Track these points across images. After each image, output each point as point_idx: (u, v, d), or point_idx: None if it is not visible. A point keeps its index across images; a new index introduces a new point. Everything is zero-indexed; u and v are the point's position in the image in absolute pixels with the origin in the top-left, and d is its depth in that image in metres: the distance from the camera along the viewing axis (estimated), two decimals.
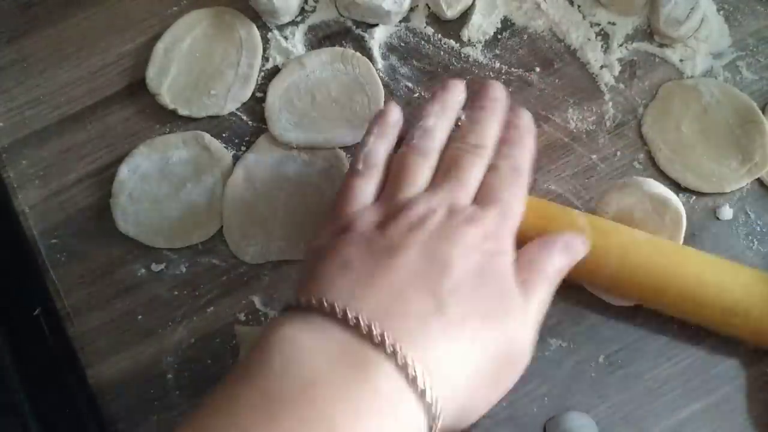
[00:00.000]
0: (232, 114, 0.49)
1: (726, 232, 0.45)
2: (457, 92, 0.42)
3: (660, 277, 0.40)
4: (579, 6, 0.50)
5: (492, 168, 0.39)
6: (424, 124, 0.40)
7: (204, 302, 0.45)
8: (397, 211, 0.35)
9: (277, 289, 0.45)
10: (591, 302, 0.43)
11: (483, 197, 0.37)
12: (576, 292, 0.43)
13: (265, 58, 0.50)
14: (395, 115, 0.41)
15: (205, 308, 0.45)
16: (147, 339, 0.45)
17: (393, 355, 0.29)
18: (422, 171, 0.38)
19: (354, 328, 0.30)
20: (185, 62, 0.50)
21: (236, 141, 0.48)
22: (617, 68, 0.48)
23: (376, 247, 0.34)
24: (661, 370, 0.43)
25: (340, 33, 0.50)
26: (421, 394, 0.29)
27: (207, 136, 0.48)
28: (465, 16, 0.50)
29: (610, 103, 0.48)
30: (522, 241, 0.38)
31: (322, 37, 0.50)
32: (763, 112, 0.46)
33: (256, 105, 0.49)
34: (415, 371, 0.29)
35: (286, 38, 0.50)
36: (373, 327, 0.30)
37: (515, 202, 0.38)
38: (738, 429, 0.41)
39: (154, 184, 0.47)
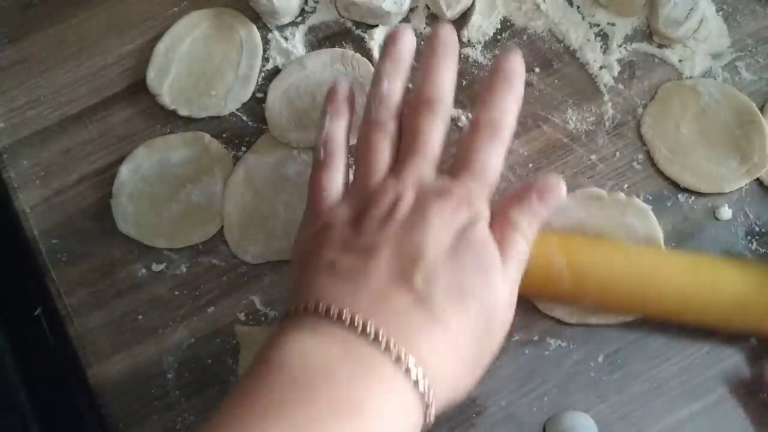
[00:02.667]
0: (232, 114, 0.49)
1: (725, 232, 0.45)
2: (405, 41, 0.41)
3: (655, 287, 0.40)
4: (578, 7, 0.50)
5: (471, 123, 0.39)
6: (378, 90, 0.40)
7: (204, 302, 0.45)
8: (367, 204, 0.36)
9: (277, 289, 0.45)
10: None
11: (457, 161, 0.38)
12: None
13: (266, 59, 0.50)
14: (344, 90, 0.41)
15: (205, 308, 0.45)
16: (147, 339, 0.45)
17: (387, 350, 0.31)
18: (384, 148, 0.38)
19: (352, 327, 0.31)
20: (186, 63, 0.50)
21: (236, 141, 0.48)
22: (616, 69, 0.48)
23: (354, 247, 0.35)
24: (660, 370, 0.43)
25: (340, 34, 0.50)
26: (415, 384, 0.31)
27: (207, 137, 0.48)
28: (465, 16, 0.50)
29: (610, 104, 0.48)
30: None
31: (322, 38, 0.50)
32: (762, 113, 0.46)
33: (256, 105, 0.49)
34: (408, 365, 0.31)
35: (286, 39, 0.50)
36: (368, 326, 0.31)
37: (492, 161, 0.38)
38: (738, 429, 0.42)
39: (155, 184, 0.47)
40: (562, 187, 0.38)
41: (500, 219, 0.37)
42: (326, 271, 0.34)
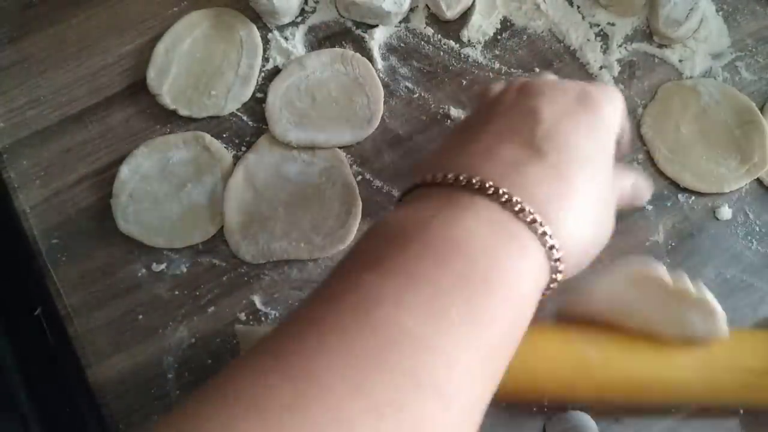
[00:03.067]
0: (232, 114, 0.49)
1: (725, 232, 0.45)
2: None
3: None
4: (578, 7, 0.50)
5: None
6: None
7: (204, 302, 0.45)
8: (487, 102, 0.37)
9: (277, 289, 0.45)
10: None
11: None
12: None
13: (266, 59, 0.50)
14: None
15: (205, 308, 0.45)
16: (147, 339, 0.45)
17: (522, 213, 0.31)
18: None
19: (484, 193, 0.31)
20: (186, 63, 0.50)
21: (236, 141, 0.48)
22: (616, 69, 0.48)
23: (468, 129, 0.35)
24: None
25: (340, 33, 0.50)
26: (549, 250, 0.31)
27: (207, 137, 0.48)
28: (465, 16, 0.50)
29: None
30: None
31: (322, 38, 0.50)
32: (762, 113, 0.46)
33: (256, 105, 0.49)
34: (543, 230, 0.31)
35: (286, 39, 0.50)
36: (500, 191, 0.31)
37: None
38: (737, 429, 0.42)
39: (155, 184, 0.47)
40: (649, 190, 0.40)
41: None
42: (437, 154, 0.35)
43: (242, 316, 0.45)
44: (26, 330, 0.48)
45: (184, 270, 0.46)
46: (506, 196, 0.31)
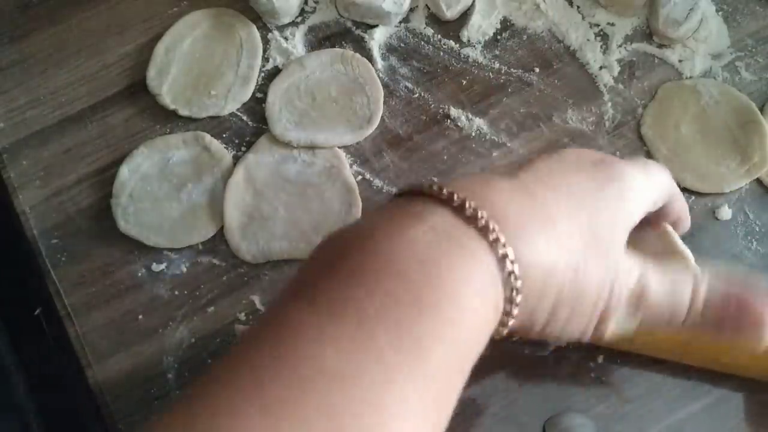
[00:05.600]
0: (232, 114, 0.49)
1: (725, 233, 0.45)
2: None
3: None
4: (578, 7, 0.50)
5: None
6: None
7: (204, 302, 0.45)
8: None
9: (277, 289, 0.45)
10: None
11: None
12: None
13: (266, 59, 0.50)
14: None
15: (205, 308, 0.45)
16: (147, 339, 0.45)
17: (475, 219, 0.28)
18: None
19: (443, 200, 0.29)
20: (185, 63, 0.50)
21: (236, 141, 0.48)
22: (616, 69, 0.48)
23: None
24: (660, 370, 0.43)
25: (340, 34, 0.50)
26: (502, 258, 0.28)
27: (207, 137, 0.48)
28: (465, 16, 0.50)
29: (610, 104, 0.48)
30: None
31: (322, 38, 0.50)
32: (762, 113, 0.46)
33: (256, 105, 0.49)
34: (497, 238, 0.28)
35: (286, 39, 0.50)
36: (455, 195, 0.29)
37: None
38: (737, 429, 0.42)
39: (155, 184, 0.47)
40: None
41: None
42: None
43: (242, 316, 0.45)
44: (26, 330, 0.48)
45: (184, 270, 0.46)
46: (459, 201, 0.28)
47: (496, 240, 0.28)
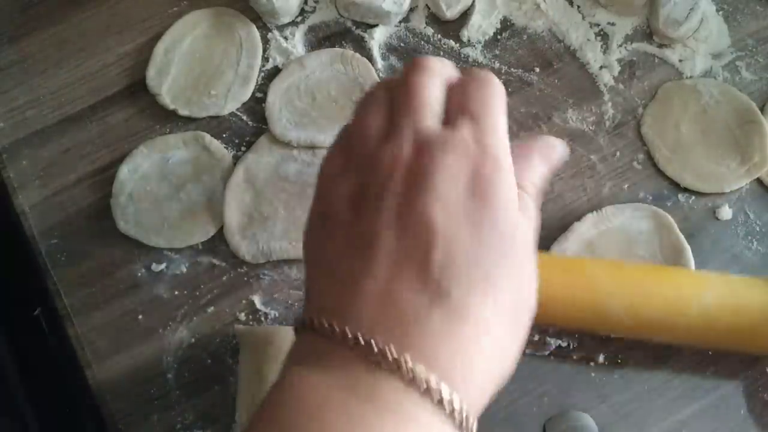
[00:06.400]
0: (232, 114, 0.49)
1: (725, 232, 0.45)
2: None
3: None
4: (578, 6, 0.50)
5: (454, 84, 0.32)
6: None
7: (204, 302, 0.45)
8: (364, 174, 0.30)
9: (277, 289, 0.45)
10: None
11: (450, 113, 0.31)
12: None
13: (265, 59, 0.50)
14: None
15: (205, 308, 0.45)
16: (147, 339, 0.45)
17: (399, 370, 0.26)
18: (376, 111, 0.32)
19: (357, 347, 0.26)
20: (185, 62, 0.50)
21: (236, 141, 0.48)
22: (617, 68, 0.48)
23: (353, 235, 0.29)
24: (660, 370, 0.43)
25: (340, 33, 0.50)
26: (450, 413, 0.26)
27: (207, 137, 0.48)
28: (465, 16, 0.50)
29: (610, 104, 0.48)
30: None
31: (322, 38, 0.50)
32: (762, 113, 0.46)
33: (256, 105, 0.49)
34: (441, 394, 0.26)
35: (286, 39, 0.50)
36: (373, 343, 0.26)
37: (493, 105, 0.31)
38: (737, 429, 0.42)
39: (155, 184, 0.47)
40: (563, 145, 0.35)
41: None
42: (326, 274, 0.29)
43: (242, 316, 0.45)
44: (26, 330, 0.48)
45: (184, 270, 0.46)
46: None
47: (451, 402, 0.26)
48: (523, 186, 0.31)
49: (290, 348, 0.29)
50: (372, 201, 0.29)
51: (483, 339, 0.27)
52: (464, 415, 0.26)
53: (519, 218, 0.29)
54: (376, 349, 0.26)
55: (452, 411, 0.26)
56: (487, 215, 0.28)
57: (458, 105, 0.31)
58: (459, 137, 0.29)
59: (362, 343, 0.26)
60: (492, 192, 0.28)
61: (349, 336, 0.26)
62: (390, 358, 0.25)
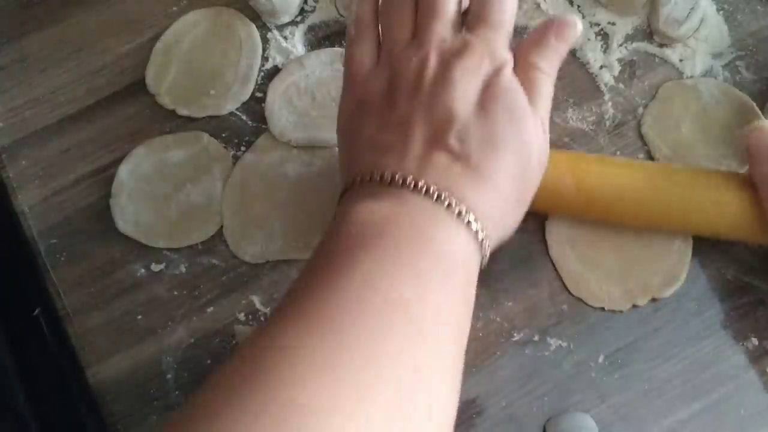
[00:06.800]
0: (231, 114, 0.49)
1: None
2: None
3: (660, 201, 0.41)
4: (578, 6, 0.50)
5: None
6: None
7: (204, 302, 0.45)
8: (395, 74, 0.37)
9: (277, 289, 0.45)
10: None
11: (471, 18, 0.38)
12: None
13: (265, 58, 0.50)
14: None
15: (205, 308, 0.45)
16: (147, 339, 0.45)
17: (440, 200, 0.34)
18: (404, 15, 0.39)
19: (405, 186, 0.34)
20: (185, 62, 0.50)
21: (236, 141, 0.48)
22: (617, 68, 0.48)
23: (390, 123, 0.37)
24: (661, 370, 0.43)
25: (340, 33, 0.50)
26: (468, 225, 0.34)
27: (206, 136, 0.48)
28: (464, 16, 0.50)
29: (610, 103, 0.48)
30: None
31: (321, 37, 0.50)
32: (763, 112, 0.46)
33: (255, 105, 0.49)
34: (461, 211, 0.34)
35: (285, 38, 0.50)
36: (419, 183, 0.34)
37: (505, 7, 0.38)
38: (737, 429, 0.41)
39: (154, 184, 0.47)
40: (578, 24, 0.39)
41: (521, 63, 0.38)
42: (370, 147, 0.37)
43: (241, 317, 0.45)
44: (25, 330, 0.48)
45: (183, 270, 0.46)
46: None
47: (460, 214, 0.34)
48: (540, 67, 0.38)
49: (337, 207, 0.36)
50: (404, 95, 0.37)
51: (494, 192, 0.35)
52: (482, 237, 0.35)
53: (526, 104, 0.36)
54: (423, 185, 0.34)
55: (476, 231, 0.34)
56: (495, 100, 0.36)
57: (476, 14, 0.38)
58: (477, 42, 0.37)
59: (411, 182, 0.34)
60: (498, 83, 0.36)
61: (400, 179, 0.34)
62: (432, 192, 0.34)
